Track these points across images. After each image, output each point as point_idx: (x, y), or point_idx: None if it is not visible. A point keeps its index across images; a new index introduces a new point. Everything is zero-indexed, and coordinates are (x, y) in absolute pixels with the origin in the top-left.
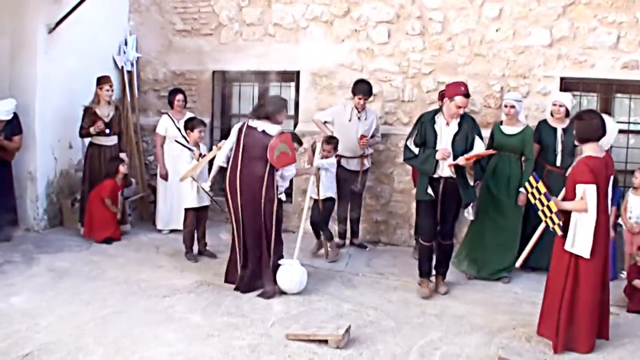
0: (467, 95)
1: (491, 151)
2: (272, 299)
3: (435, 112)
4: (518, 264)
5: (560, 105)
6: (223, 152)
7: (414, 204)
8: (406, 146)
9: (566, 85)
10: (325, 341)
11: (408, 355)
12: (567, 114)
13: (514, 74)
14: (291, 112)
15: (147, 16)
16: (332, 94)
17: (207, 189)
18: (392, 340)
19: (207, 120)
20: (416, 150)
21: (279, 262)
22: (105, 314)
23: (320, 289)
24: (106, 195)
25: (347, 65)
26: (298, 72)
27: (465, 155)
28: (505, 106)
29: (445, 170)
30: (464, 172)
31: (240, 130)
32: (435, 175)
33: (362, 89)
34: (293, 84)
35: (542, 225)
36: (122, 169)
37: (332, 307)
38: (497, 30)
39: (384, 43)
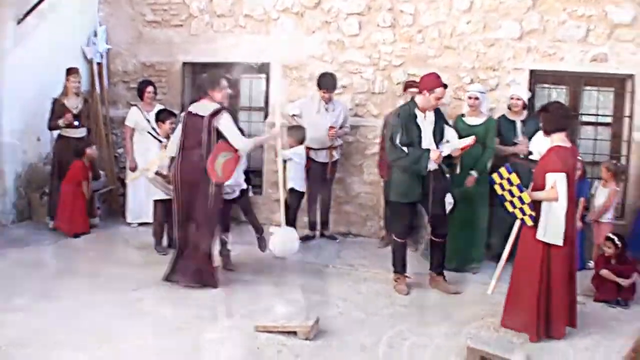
0: (445, 86)
1: (470, 142)
2: (218, 288)
3: (410, 106)
4: (490, 291)
5: (518, 99)
6: (173, 142)
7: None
8: (393, 145)
9: (535, 77)
10: (294, 332)
11: (377, 346)
12: (525, 106)
13: (483, 66)
14: (262, 104)
15: (117, 7)
16: (303, 86)
17: (150, 175)
18: (361, 332)
19: (177, 112)
20: (405, 148)
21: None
22: (75, 308)
23: (290, 281)
24: (80, 178)
25: (318, 57)
26: (268, 64)
27: (458, 147)
28: (470, 98)
29: (432, 164)
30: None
31: (183, 118)
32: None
33: (326, 82)
34: (264, 75)
35: (517, 224)
36: (90, 150)
37: (302, 299)
38: (467, 23)
39: (355, 35)
